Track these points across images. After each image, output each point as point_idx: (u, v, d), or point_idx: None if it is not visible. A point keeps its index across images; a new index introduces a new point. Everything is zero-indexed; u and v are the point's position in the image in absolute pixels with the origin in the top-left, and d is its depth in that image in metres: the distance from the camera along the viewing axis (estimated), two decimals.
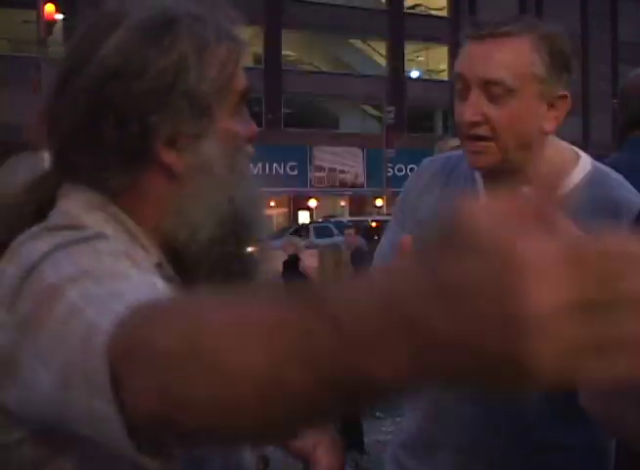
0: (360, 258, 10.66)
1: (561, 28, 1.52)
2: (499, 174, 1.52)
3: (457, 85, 1.50)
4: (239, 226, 0.99)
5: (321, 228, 25.56)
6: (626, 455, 1.40)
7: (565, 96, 1.49)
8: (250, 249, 1.02)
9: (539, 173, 1.52)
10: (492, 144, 1.46)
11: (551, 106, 1.48)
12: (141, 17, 0.93)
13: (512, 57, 1.44)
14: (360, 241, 12.22)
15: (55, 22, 16.95)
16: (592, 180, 1.54)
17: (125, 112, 0.91)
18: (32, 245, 0.86)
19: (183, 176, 0.95)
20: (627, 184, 1.56)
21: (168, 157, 0.94)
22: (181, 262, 1.00)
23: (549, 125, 1.49)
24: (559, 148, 1.58)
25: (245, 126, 1.01)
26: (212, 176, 0.96)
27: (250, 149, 1.03)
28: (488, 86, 1.44)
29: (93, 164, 0.94)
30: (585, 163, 1.57)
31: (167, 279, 0.94)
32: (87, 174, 0.95)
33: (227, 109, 0.97)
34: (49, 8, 16.58)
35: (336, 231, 25.07)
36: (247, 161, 1.02)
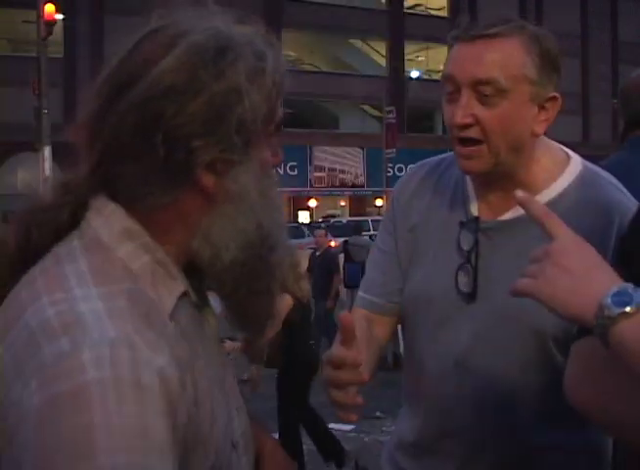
0: (331, 260, 10.55)
1: (546, 30, 1.50)
2: (490, 177, 1.51)
3: (447, 87, 1.47)
4: (264, 250, 1.00)
5: (291, 229, 26.02)
6: (626, 456, 1.40)
7: (555, 97, 1.48)
8: (273, 269, 1.03)
9: (531, 176, 1.51)
10: (484, 147, 1.44)
11: (542, 108, 1.46)
12: (199, 39, 0.93)
13: (504, 57, 1.42)
14: (362, 240, 12.21)
15: (55, 22, 16.93)
16: (583, 181, 1.52)
17: (173, 132, 0.91)
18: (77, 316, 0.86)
19: (217, 199, 0.96)
20: (619, 185, 1.55)
21: (207, 180, 0.94)
22: (199, 281, 1.02)
23: (540, 128, 1.47)
24: (549, 149, 1.56)
25: (273, 153, 1.03)
26: (245, 201, 0.97)
27: (274, 174, 1.05)
28: (480, 87, 1.42)
29: (134, 179, 0.94)
30: (576, 163, 1.55)
31: (193, 306, 0.99)
32: (126, 187, 0.95)
33: (266, 138, 1.00)
34: (49, 8, 16.55)
35: (307, 232, 25.52)
36: (275, 186, 1.04)
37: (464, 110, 1.43)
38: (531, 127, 1.46)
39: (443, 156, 1.69)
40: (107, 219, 0.96)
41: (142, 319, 0.88)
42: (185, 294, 0.97)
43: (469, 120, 1.43)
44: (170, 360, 0.87)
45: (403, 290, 1.64)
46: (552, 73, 1.46)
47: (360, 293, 1.73)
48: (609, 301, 0.94)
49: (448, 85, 1.47)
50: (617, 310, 0.93)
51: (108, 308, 0.87)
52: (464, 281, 1.54)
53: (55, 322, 0.85)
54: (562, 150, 1.59)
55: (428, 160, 1.74)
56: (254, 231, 0.98)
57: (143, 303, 0.91)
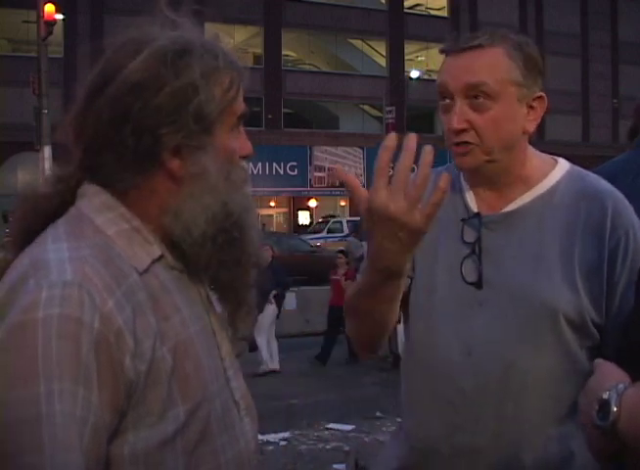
0: (272, 274, 9.77)
1: (526, 37, 1.64)
2: (486, 174, 1.62)
3: (441, 99, 1.61)
4: (231, 226, 1.14)
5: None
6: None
7: (541, 97, 1.61)
8: (242, 247, 1.17)
9: (526, 171, 1.64)
10: (477, 146, 1.58)
11: (530, 107, 1.60)
12: (161, 44, 1.10)
13: (491, 63, 1.57)
14: (364, 239, 12.23)
15: (55, 22, 16.93)
16: (572, 176, 1.66)
17: (141, 123, 1.07)
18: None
19: (183, 181, 1.11)
20: (604, 180, 1.66)
21: (173, 163, 1.10)
22: (183, 254, 1.15)
23: (530, 126, 1.61)
24: (537, 154, 1.70)
25: (241, 145, 1.18)
26: (208, 182, 1.11)
27: (244, 165, 1.20)
28: (472, 92, 1.56)
29: (112, 166, 1.10)
30: (563, 163, 1.69)
31: (169, 267, 1.14)
32: (105, 174, 1.11)
33: (226, 128, 1.14)
34: (49, 8, 16.55)
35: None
36: (242, 174, 1.18)
37: (459, 116, 1.57)
38: (522, 126, 1.60)
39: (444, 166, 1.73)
40: (89, 198, 1.12)
41: (101, 264, 1.04)
42: (161, 257, 1.13)
43: (464, 126, 1.56)
44: (121, 301, 1.02)
45: (410, 285, 1.66)
46: (536, 76, 1.61)
47: None
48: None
49: (442, 94, 1.61)
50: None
51: (70, 256, 1.03)
52: (469, 271, 1.60)
53: (28, 268, 1.03)
54: (548, 156, 1.73)
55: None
56: (220, 208, 1.12)
57: (105, 252, 1.06)
